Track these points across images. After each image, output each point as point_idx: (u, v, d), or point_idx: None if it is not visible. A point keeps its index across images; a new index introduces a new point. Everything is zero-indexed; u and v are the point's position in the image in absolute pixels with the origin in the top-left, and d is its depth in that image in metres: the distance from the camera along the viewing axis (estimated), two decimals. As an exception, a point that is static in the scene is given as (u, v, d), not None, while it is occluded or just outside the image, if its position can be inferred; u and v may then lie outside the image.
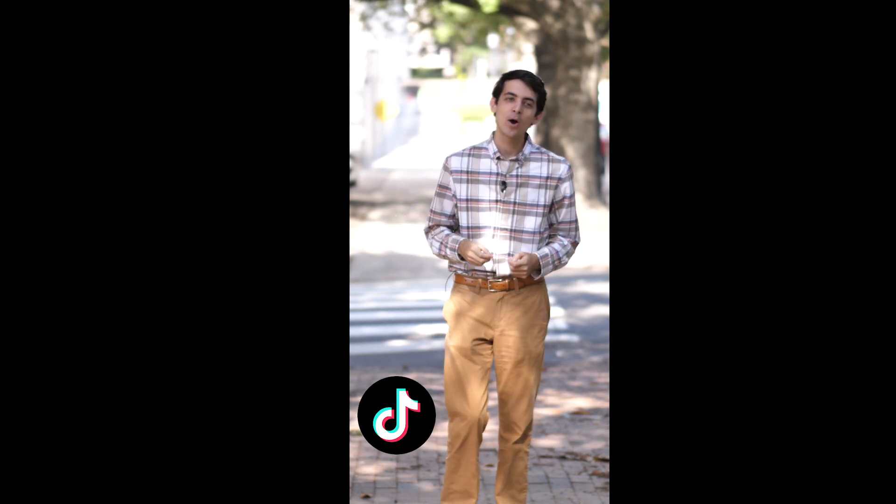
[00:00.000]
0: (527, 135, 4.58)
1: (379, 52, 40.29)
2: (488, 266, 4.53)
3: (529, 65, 29.14)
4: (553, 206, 4.60)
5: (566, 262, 4.65)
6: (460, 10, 29.26)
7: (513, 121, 4.48)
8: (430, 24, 35.78)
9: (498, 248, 4.55)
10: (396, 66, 53.65)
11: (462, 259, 4.56)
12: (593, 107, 20.52)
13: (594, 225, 19.58)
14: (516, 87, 4.50)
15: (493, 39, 44.16)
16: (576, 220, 4.67)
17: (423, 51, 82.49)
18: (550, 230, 4.65)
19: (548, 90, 22.55)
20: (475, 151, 4.60)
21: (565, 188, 4.60)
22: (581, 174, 20.44)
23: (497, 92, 4.57)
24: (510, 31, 34.25)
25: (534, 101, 4.51)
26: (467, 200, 4.57)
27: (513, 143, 4.55)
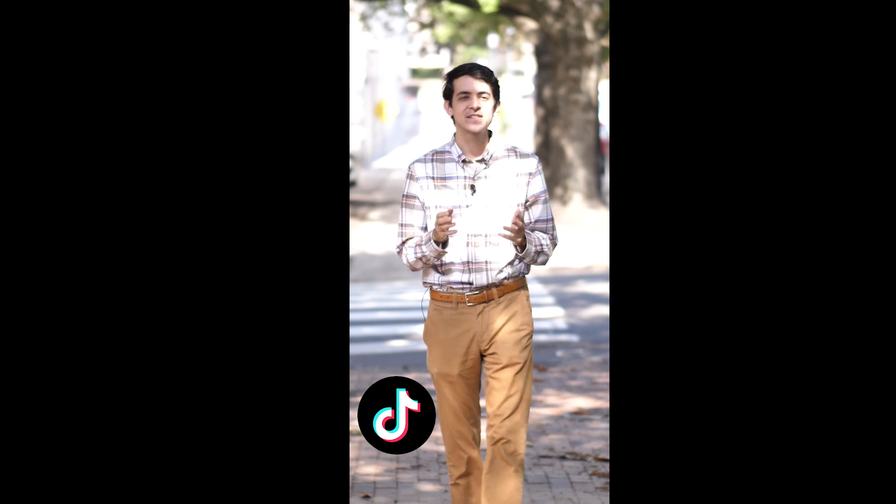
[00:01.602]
0: (490, 132, 4.35)
1: (379, 52, 40.30)
2: (463, 277, 4.30)
3: (529, 65, 29.13)
4: (526, 204, 4.35)
5: (546, 258, 4.37)
6: (460, 10, 29.27)
7: (474, 118, 4.25)
8: (430, 24, 35.81)
9: (473, 256, 4.31)
10: (396, 66, 53.65)
11: (443, 246, 4.27)
12: (593, 107, 20.53)
13: (594, 225, 19.58)
14: (467, 83, 4.26)
15: (493, 39, 44.18)
16: (552, 219, 4.42)
17: (423, 51, 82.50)
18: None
19: (548, 90, 22.51)
20: (438, 156, 4.35)
21: (536, 183, 4.36)
22: (581, 174, 20.46)
23: (448, 93, 4.33)
24: (510, 31, 34.26)
25: (489, 92, 4.27)
26: (436, 207, 4.31)
27: (477, 142, 4.31)
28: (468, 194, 4.31)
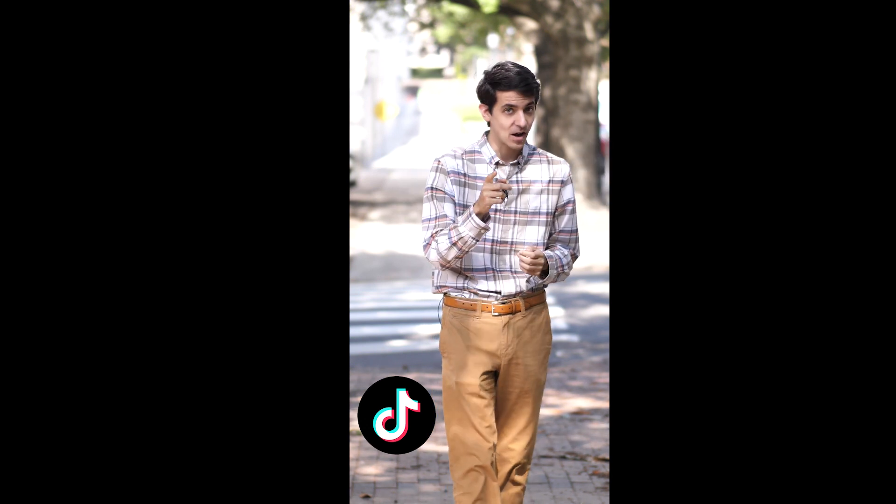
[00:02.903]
0: None
1: (379, 52, 40.30)
2: (491, 287, 4.12)
3: (529, 65, 29.13)
4: (555, 213, 4.18)
5: (566, 276, 4.19)
6: (460, 10, 29.27)
7: (518, 135, 4.05)
8: (430, 24, 35.83)
9: (497, 264, 4.13)
10: (396, 66, 53.68)
11: (484, 221, 3.99)
12: (593, 107, 20.54)
13: (594, 225, 19.58)
14: (514, 98, 4.03)
15: (493, 39, 44.18)
16: (577, 231, 4.24)
17: (423, 51, 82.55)
18: (549, 241, 4.20)
19: (548, 90, 22.52)
20: (468, 155, 4.13)
21: (567, 192, 4.18)
22: (581, 174, 20.46)
23: (489, 100, 4.07)
24: (510, 31, 34.25)
25: (533, 103, 4.05)
26: (462, 207, 4.10)
27: (513, 148, 4.11)
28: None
